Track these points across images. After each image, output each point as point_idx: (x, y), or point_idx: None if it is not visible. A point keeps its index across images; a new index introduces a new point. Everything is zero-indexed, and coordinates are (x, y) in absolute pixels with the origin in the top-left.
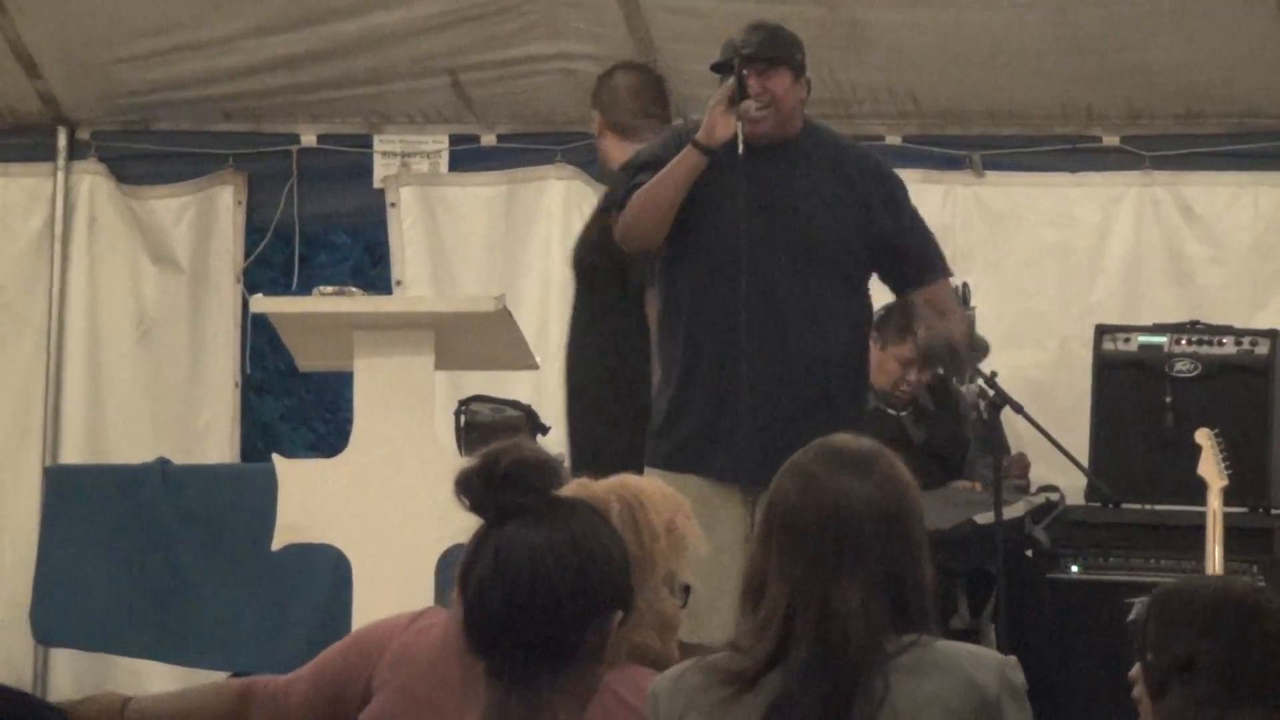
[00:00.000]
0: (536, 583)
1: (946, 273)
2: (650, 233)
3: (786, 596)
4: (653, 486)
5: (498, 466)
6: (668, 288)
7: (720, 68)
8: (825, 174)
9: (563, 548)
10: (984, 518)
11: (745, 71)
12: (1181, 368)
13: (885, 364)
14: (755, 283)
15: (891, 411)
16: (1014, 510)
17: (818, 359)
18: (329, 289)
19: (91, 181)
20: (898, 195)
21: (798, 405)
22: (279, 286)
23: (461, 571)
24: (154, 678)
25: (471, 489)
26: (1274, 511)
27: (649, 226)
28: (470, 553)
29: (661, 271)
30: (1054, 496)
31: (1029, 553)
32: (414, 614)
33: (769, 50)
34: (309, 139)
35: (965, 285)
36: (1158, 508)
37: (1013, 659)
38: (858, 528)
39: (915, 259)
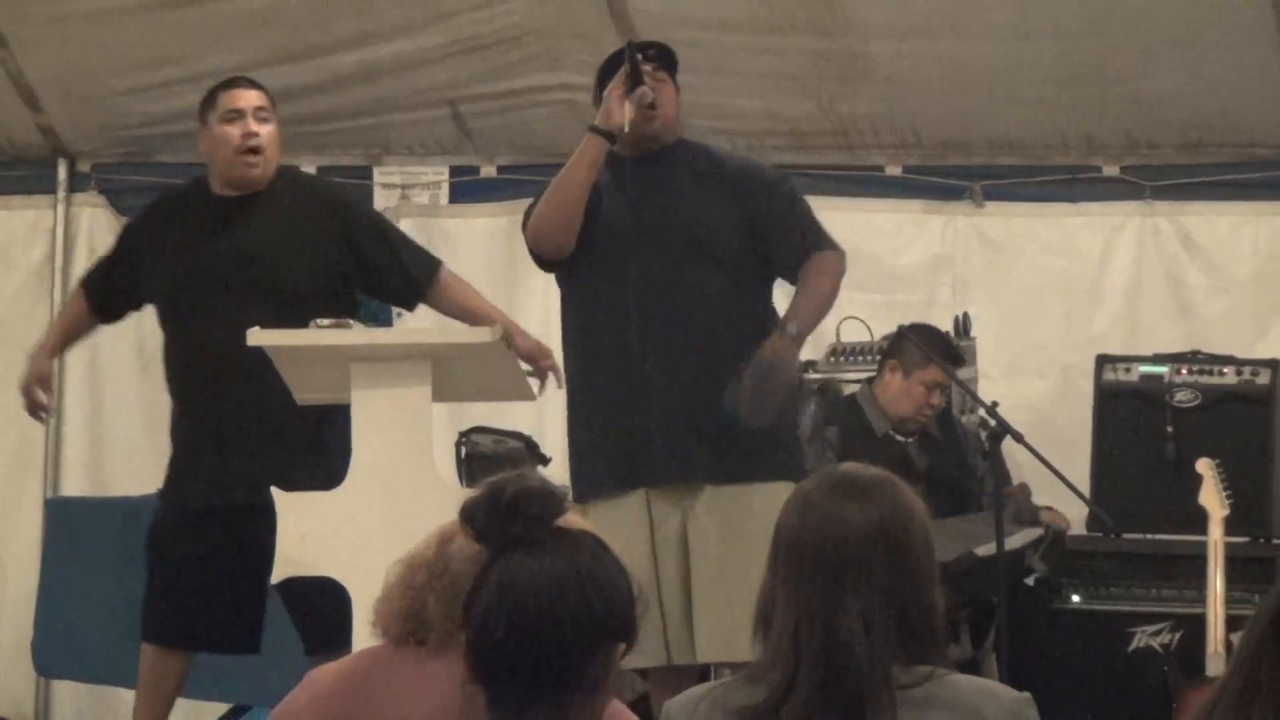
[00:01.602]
0: (540, 613)
1: (829, 246)
2: (563, 228)
3: (792, 624)
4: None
5: (503, 496)
6: (565, 323)
7: (609, 66)
8: (702, 176)
9: (567, 578)
10: (984, 549)
11: (639, 58)
12: (1182, 398)
13: (911, 390)
14: (641, 284)
15: (900, 439)
16: (1014, 542)
17: (710, 354)
18: (325, 321)
19: (92, 213)
20: (773, 185)
21: (695, 402)
22: None
23: (465, 601)
24: None
25: (476, 518)
26: (1275, 541)
27: (561, 221)
28: (474, 582)
29: (561, 293)
30: (1047, 526)
31: (1029, 581)
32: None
33: (666, 58)
34: (309, 170)
35: (965, 315)
36: (1159, 537)
37: (1026, 695)
38: (856, 554)
39: (796, 243)
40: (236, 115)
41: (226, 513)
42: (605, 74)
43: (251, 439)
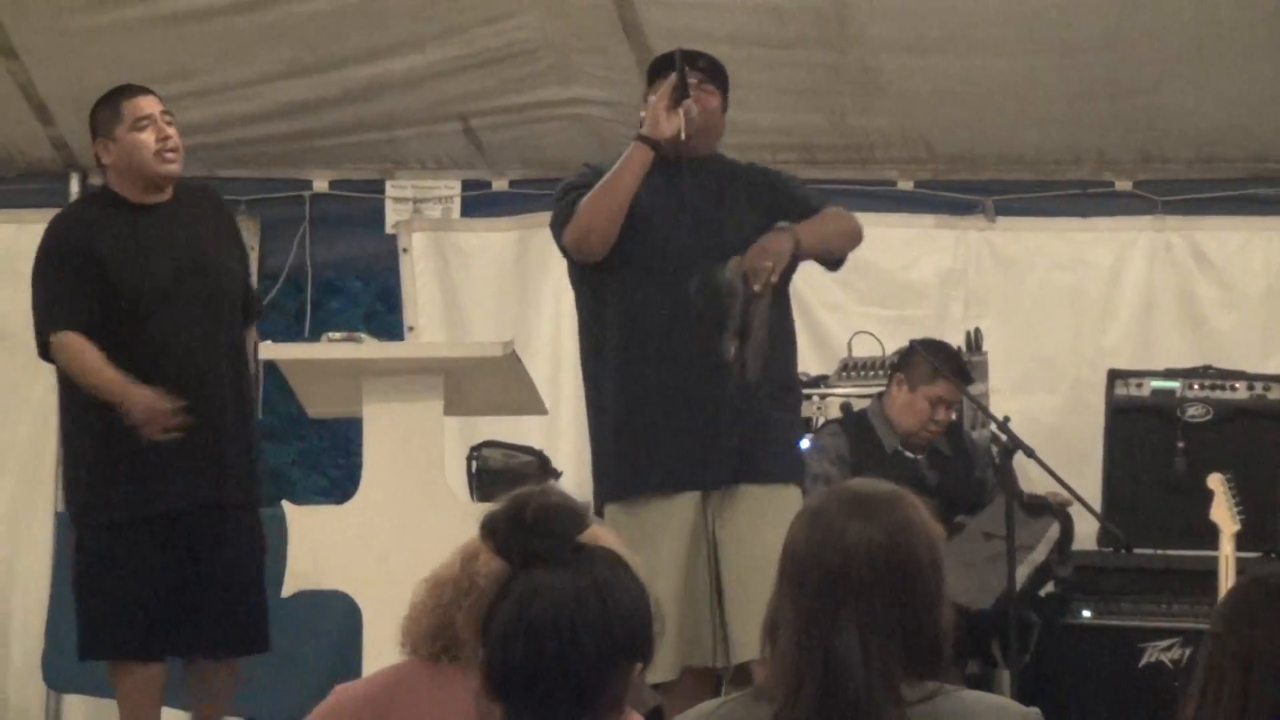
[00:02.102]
0: (559, 629)
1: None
2: (603, 233)
3: (795, 640)
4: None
5: (525, 511)
6: (596, 317)
7: (659, 65)
8: (729, 186)
9: (586, 595)
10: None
11: (687, 69)
12: (1194, 413)
13: (915, 404)
14: (675, 297)
15: (910, 455)
16: (1038, 555)
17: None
18: (337, 335)
19: None
20: (778, 177)
21: (730, 406)
22: (292, 332)
23: (484, 616)
24: None
25: (497, 533)
26: None
27: (603, 227)
28: (493, 597)
29: (588, 294)
30: (1058, 508)
31: (1051, 588)
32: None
33: (715, 72)
34: (321, 184)
35: (977, 330)
36: (1170, 553)
37: (1035, 711)
38: (856, 571)
39: (807, 206)
40: (147, 121)
41: (195, 515)
42: (654, 75)
43: (221, 439)
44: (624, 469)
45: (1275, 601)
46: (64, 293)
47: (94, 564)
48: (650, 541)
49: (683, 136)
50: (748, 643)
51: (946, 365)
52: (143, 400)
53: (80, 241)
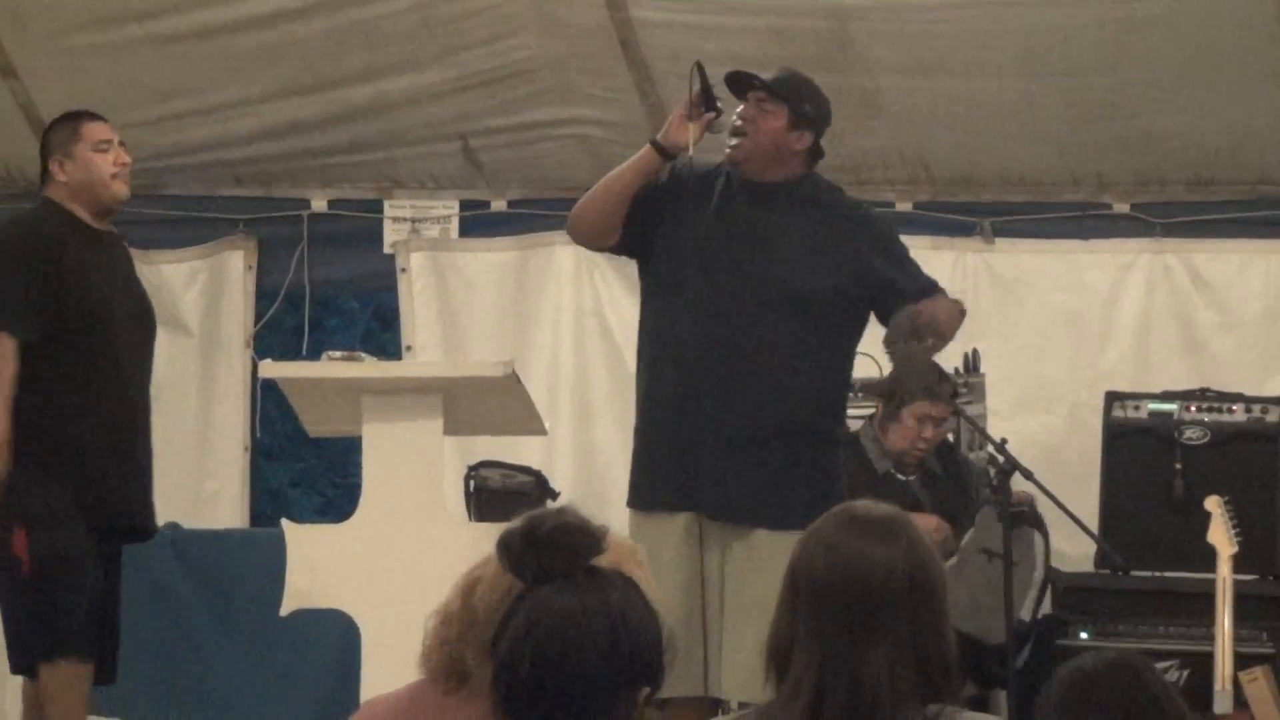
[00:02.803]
0: (567, 648)
1: (944, 293)
2: (594, 220)
3: (815, 668)
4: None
5: (541, 529)
6: (641, 323)
7: (731, 81)
8: (809, 221)
9: (596, 616)
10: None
11: (711, 83)
12: (1191, 435)
13: (903, 423)
14: (714, 319)
15: (901, 477)
16: (1039, 573)
17: (774, 396)
18: (338, 354)
19: None
20: (885, 236)
21: (753, 441)
22: (289, 351)
23: (495, 632)
24: None
25: (512, 549)
26: None
27: (593, 213)
28: (504, 614)
29: (641, 306)
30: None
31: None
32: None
33: (773, 86)
34: (320, 204)
35: (975, 352)
36: (1167, 575)
37: None
38: (885, 596)
39: (913, 292)
40: (107, 145)
41: (124, 533)
42: (729, 87)
43: (145, 465)
44: (638, 478)
45: (1088, 693)
46: (19, 298)
47: (54, 563)
48: (653, 556)
49: (690, 152)
50: (733, 685)
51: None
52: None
53: (50, 251)
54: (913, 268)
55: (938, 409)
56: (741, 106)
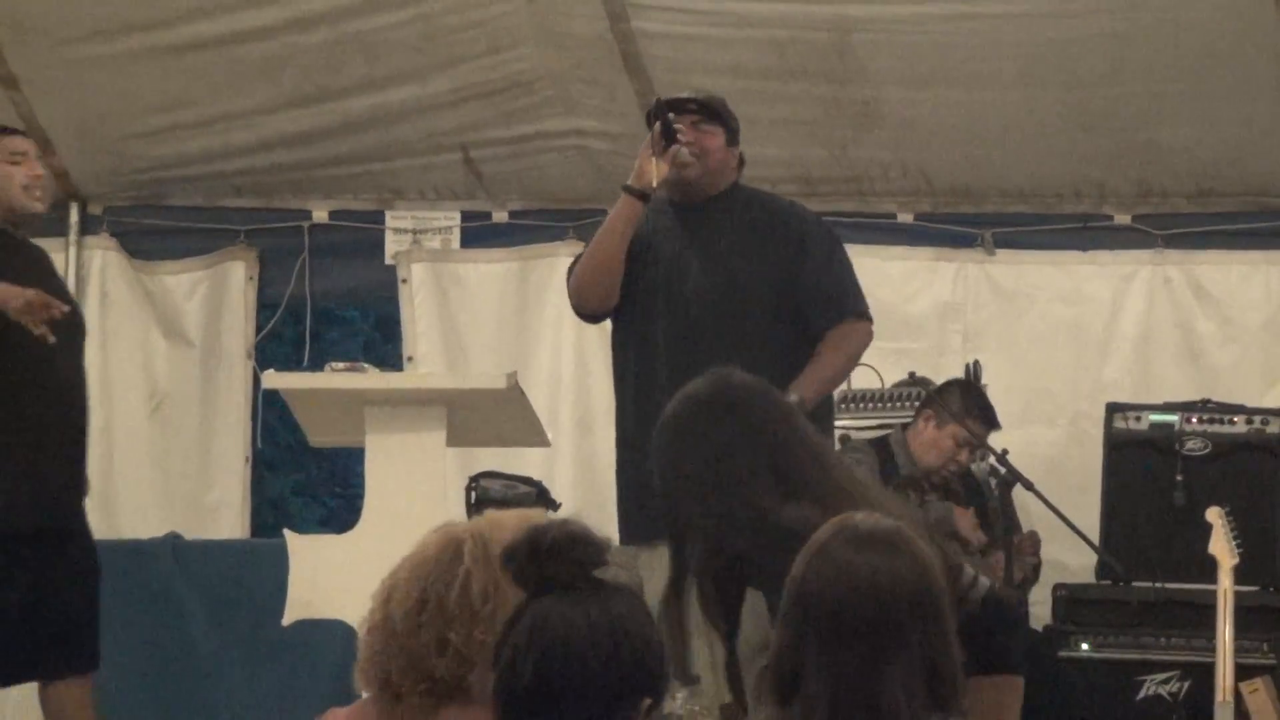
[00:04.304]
0: (569, 658)
1: (855, 315)
2: (601, 287)
3: (829, 686)
4: (513, 519)
5: (545, 539)
6: (614, 348)
7: (650, 115)
8: (748, 226)
9: (598, 626)
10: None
11: (671, 115)
12: (1192, 446)
13: (940, 442)
14: (678, 335)
15: (912, 494)
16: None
17: None
18: (341, 365)
19: (103, 256)
20: (810, 239)
21: None
22: (290, 362)
23: (497, 640)
24: None
25: (516, 559)
26: None
27: (597, 280)
28: (507, 623)
29: (612, 332)
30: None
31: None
32: None
33: (705, 108)
34: (321, 215)
35: (976, 363)
36: (1168, 586)
37: None
38: (897, 610)
39: (822, 302)
40: (22, 157)
41: (46, 535)
42: (649, 122)
43: (73, 465)
44: (619, 511)
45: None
46: None
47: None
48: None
49: (653, 184)
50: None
51: (974, 410)
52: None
53: None
54: (826, 278)
55: (977, 435)
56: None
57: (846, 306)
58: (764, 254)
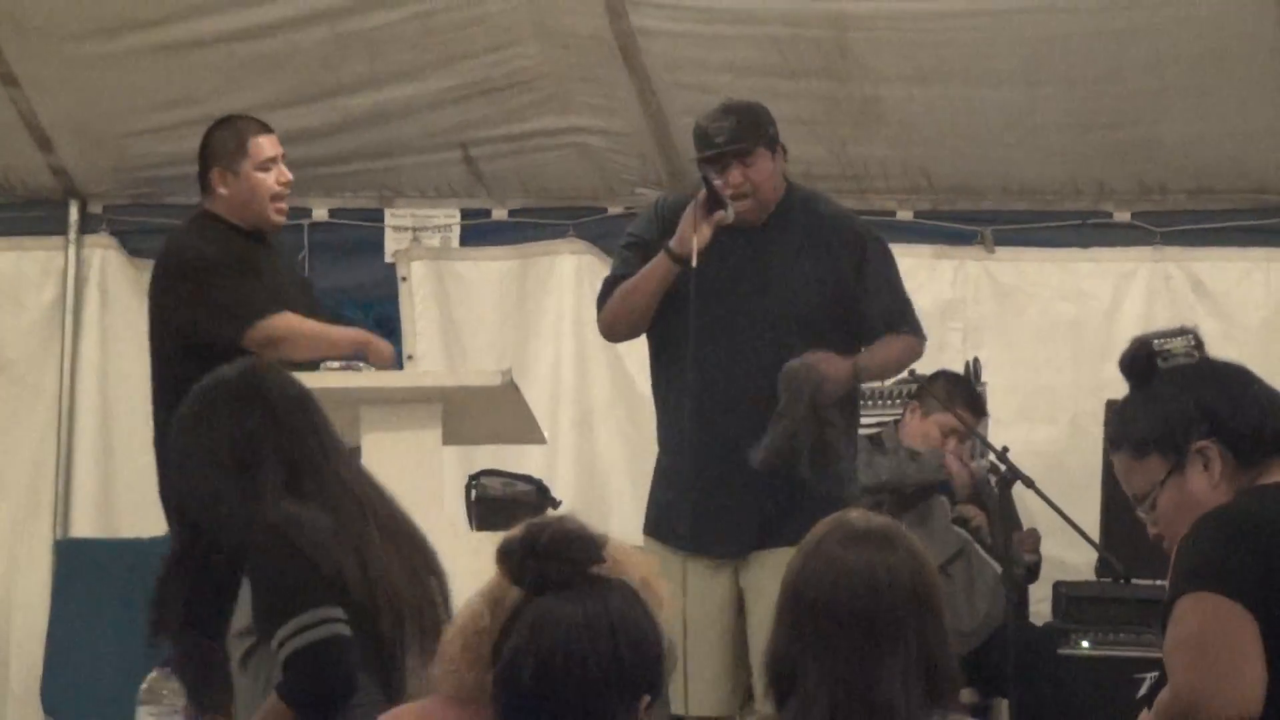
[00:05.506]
0: (569, 657)
1: (909, 330)
2: (629, 330)
3: (828, 685)
4: (626, 545)
5: (541, 537)
6: (654, 359)
7: (701, 165)
8: (801, 246)
9: (598, 625)
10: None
11: (717, 181)
12: None
13: (927, 432)
14: (725, 358)
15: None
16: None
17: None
18: (335, 364)
19: (103, 255)
20: (870, 258)
21: (767, 480)
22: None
23: (495, 640)
24: None
25: (512, 558)
26: None
27: (627, 325)
28: (505, 622)
29: (650, 343)
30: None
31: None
32: None
33: (742, 139)
34: (320, 213)
35: (976, 361)
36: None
37: None
38: (893, 607)
39: (873, 319)
40: (272, 164)
41: None
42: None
43: None
44: (653, 512)
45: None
46: None
47: None
48: (678, 581)
49: (694, 258)
50: (704, 698)
51: (959, 397)
52: None
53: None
54: (886, 295)
55: (966, 422)
56: (729, 173)
57: (901, 321)
58: (820, 270)
